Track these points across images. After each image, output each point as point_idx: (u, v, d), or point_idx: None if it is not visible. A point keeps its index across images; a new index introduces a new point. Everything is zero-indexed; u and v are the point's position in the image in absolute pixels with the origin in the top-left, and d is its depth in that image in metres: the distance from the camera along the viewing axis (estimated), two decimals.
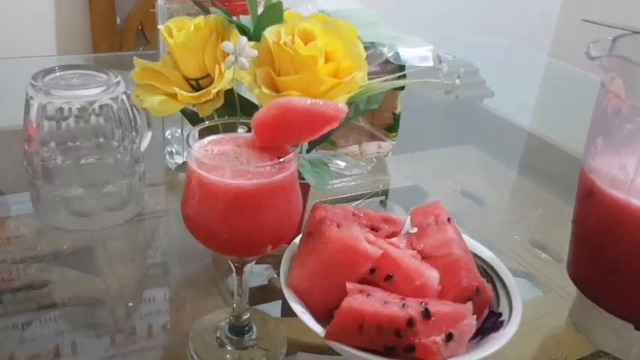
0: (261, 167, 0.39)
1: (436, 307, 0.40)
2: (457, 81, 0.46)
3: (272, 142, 0.41)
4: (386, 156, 0.78)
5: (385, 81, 0.49)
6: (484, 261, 0.50)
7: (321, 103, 0.38)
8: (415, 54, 0.65)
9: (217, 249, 0.43)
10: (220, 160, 0.40)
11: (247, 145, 0.41)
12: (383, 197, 0.74)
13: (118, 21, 1.45)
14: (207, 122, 0.42)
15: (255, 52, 0.41)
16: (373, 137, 0.75)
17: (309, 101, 0.38)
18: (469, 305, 0.41)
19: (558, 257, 0.64)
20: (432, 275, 0.42)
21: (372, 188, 0.75)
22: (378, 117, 0.74)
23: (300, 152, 0.53)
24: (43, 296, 0.53)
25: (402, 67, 0.68)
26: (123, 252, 0.60)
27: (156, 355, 0.49)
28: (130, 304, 0.53)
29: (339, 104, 0.39)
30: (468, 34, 1.47)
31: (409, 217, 0.51)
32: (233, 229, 0.39)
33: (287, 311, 0.53)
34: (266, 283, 0.57)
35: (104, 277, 0.56)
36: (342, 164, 0.74)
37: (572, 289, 0.56)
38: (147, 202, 0.66)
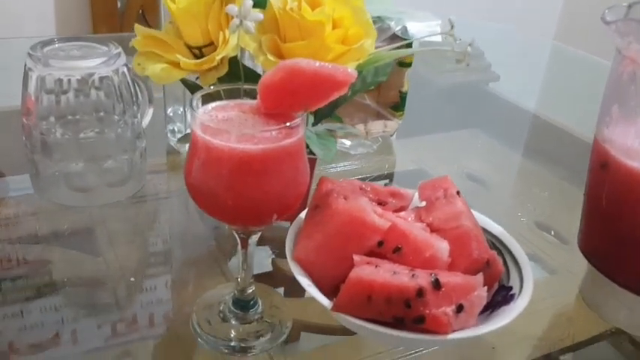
0: (267, 131, 0.38)
1: (446, 277, 0.39)
2: (469, 48, 0.45)
3: (278, 109, 0.39)
4: (392, 135, 0.77)
5: (394, 49, 0.47)
6: (494, 235, 0.48)
7: (330, 67, 0.37)
8: (423, 28, 0.63)
9: (222, 218, 0.42)
10: (226, 125, 0.39)
11: (253, 111, 0.40)
12: (387, 180, 0.73)
13: (119, 4, 1.43)
14: (211, 87, 0.41)
15: (261, 16, 0.40)
16: (379, 116, 0.74)
17: (317, 64, 0.37)
18: (480, 277, 0.40)
19: (564, 239, 0.63)
20: (441, 246, 0.41)
21: (378, 168, 0.74)
22: (384, 95, 0.73)
23: (307, 125, 0.52)
24: (43, 277, 0.52)
25: (410, 43, 0.66)
26: (124, 232, 0.59)
27: (158, 334, 0.48)
28: (132, 279, 0.52)
29: (349, 68, 0.37)
30: (473, 19, 1.45)
31: (417, 192, 0.50)
32: (238, 196, 0.38)
33: (292, 293, 0.52)
34: (271, 269, 0.56)
35: (105, 258, 0.55)
36: (348, 143, 0.73)
37: (580, 270, 0.55)
38: (149, 182, 0.65)
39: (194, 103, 0.39)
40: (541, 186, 0.75)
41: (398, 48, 0.63)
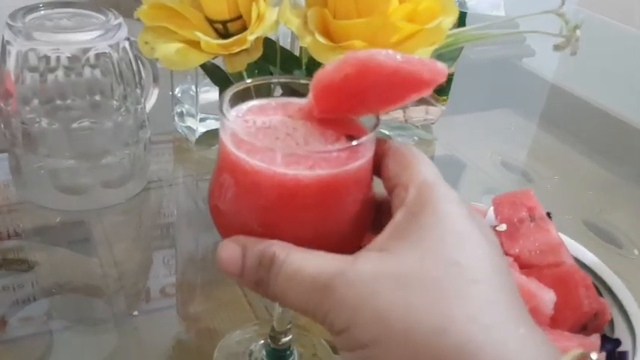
0: (330, 151, 0.27)
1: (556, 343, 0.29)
2: (578, 32, 0.34)
3: (337, 112, 0.29)
4: (433, 124, 0.67)
5: (474, 31, 0.37)
6: (588, 268, 0.39)
7: (417, 61, 0.27)
8: (484, 0, 0.53)
9: None
10: (267, 137, 0.28)
11: (301, 115, 0.30)
12: None
13: None
14: (248, 81, 0.30)
15: None
16: (420, 101, 0.64)
17: (399, 57, 0.26)
18: (595, 339, 0.31)
19: (619, 242, 0.55)
20: (545, 298, 0.32)
21: None
22: None
23: None
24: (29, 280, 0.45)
25: (463, 15, 0.56)
26: (122, 229, 0.51)
27: (160, 352, 0.41)
28: (135, 313, 0.43)
29: (438, 64, 0.27)
30: None
31: (491, 208, 0.40)
32: (282, 234, 0.28)
33: None
34: None
35: (100, 260, 0.47)
36: (386, 132, 0.63)
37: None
38: (151, 170, 0.56)
39: (224, 106, 0.29)
40: (586, 179, 0.67)
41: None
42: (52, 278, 0.45)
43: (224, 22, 0.38)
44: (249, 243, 0.27)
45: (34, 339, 0.40)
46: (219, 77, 0.41)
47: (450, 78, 0.63)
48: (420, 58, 0.27)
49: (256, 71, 0.42)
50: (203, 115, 0.59)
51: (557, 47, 0.36)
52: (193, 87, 0.57)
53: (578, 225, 0.57)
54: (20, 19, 0.46)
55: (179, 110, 0.61)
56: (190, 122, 0.60)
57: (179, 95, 0.61)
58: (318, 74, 0.28)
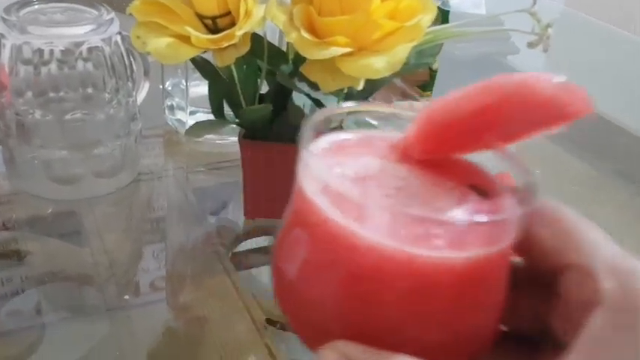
0: (485, 222, 0.19)
1: None
2: (549, 30, 0.36)
3: (443, 152, 0.22)
4: None
5: (453, 28, 0.39)
6: None
7: (572, 88, 0.21)
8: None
9: None
10: (373, 192, 0.20)
11: (398, 157, 0.22)
12: None
13: None
14: (339, 106, 0.23)
15: None
16: (404, 95, 0.65)
17: (554, 83, 0.20)
18: None
19: None
20: None
21: None
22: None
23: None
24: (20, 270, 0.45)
25: (446, 13, 0.57)
26: (113, 220, 0.52)
27: (151, 339, 0.41)
28: (126, 297, 0.44)
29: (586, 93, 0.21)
30: None
31: None
32: (399, 339, 0.20)
33: None
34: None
35: (91, 249, 0.47)
36: (375, 122, 0.64)
37: None
38: (142, 163, 0.56)
39: (305, 137, 0.21)
40: (570, 176, 0.68)
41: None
42: (44, 268, 0.46)
43: (213, 18, 0.39)
44: (359, 356, 0.18)
45: (24, 329, 0.40)
46: (208, 71, 0.43)
47: (433, 74, 0.65)
48: (572, 84, 0.21)
49: (244, 66, 0.43)
50: (193, 109, 0.61)
51: (530, 45, 0.38)
52: (183, 81, 0.58)
53: None
54: (15, 13, 0.46)
55: (169, 103, 0.62)
56: (180, 115, 0.61)
57: (170, 89, 0.62)
58: (432, 108, 0.22)
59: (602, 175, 0.69)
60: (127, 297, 0.43)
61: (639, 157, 0.73)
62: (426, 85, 0.65)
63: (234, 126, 0.45)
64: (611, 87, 0.96)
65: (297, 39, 0.36)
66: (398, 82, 0.65)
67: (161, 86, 0.62)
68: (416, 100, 0.66)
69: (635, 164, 0.71)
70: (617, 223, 0.59)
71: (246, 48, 0.37)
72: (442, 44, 0.43)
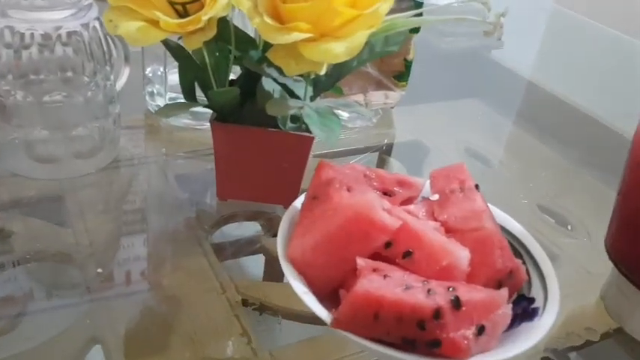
0: None
1: (467, 294, 0.33)
2: (502, 19, 0.38)
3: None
4: (392, 107, 0.70)
5: (413, 17, 0.40)
6: (513, 236, 0.43)
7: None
8: None
9: None
10: None
11: None
12: (376, 152, 0.67)
13: None
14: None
15: None
16: (380, 85, 0.67)
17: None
18: (504, 292, 0.35)
19: (571, 225, 0.58)
20: (461, 255, 0.35)
21: (375, 142, 0.68)
22: (387, 62, 0.66)
23: (305, 99, 0.45)
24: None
25: (418, 5, 0.59)
26: (94, 203, 0.53)
27: (128, 319, 0.42)
28: (100, 270, 0.46)
29: None
30: None
31: (428, 181, 0.44)
32: None
33: (276, 276, 0.47)
34: (257, 246, 0.50)
35: (74, 230, 0.49)
36: (345, 115, 0.66)
37: (592, 262, 0.51)
38: (123, 148, 0.58)
39: None
40: (544, 165, 0.70)
41: (405, 11, 0.56)
42: (26, 247, 0.47)
43: (183, 4, 0.41)
44: None
45: (4, 307, 0.41)
46: (180, 55, 0.45)
47: (408, 64, 0.66)
48: None
49: (217, 53, 0.45)
50: (173, 95, 0.62)
51: (486, 33, 0.40)
52: (161, 68, 0.60)
53: (533, 208, 0.60)
54: None
55: (150, 90, 0.64)
56: (160, 101, 0.63)
57: (150, 75, 0.63)
58: None
59: (572, 163, 0.71)
60: (99, 270, 0.45)
61: (607, 147, 0.76)
62: (401, 75, 0.67)
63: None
64: (587, 79, 0.98)
65: (260, 24, 0.38)
66: (374, 72, 0.67)
67: (142, 73, 0.63)
68: (392, 90, 0.68)
69: (602, 153, 0.73)
70: (586, 208, 0.61)
71: (212, 32, 0.39)
72: (406, 33, 0.45)
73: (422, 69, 0.82)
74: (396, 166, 0.66)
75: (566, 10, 1.30)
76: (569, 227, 0.58)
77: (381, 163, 0.66)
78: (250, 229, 0.53)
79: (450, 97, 0.84)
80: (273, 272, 0.49)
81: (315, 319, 0.35)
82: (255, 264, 0.50)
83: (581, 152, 0.73)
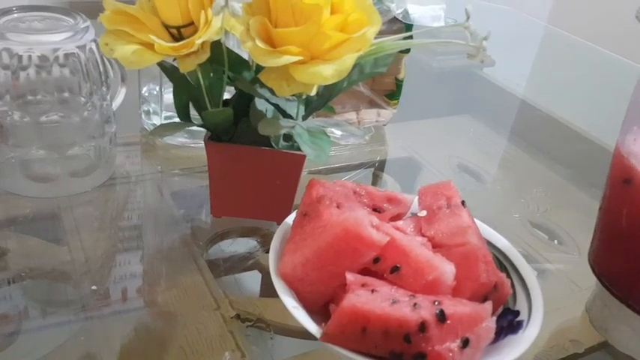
0: None
1: (452, 307, 0.34)
2: (484, 43, 0.39)
3: None
4: (385, 125, 0.71)
5: (400, 40, 0.42)
6: (499, 250, 0.44)
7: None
8: (426, 13, 0.58)
9: None
10: None
11: None
12: (370, 168, 0.68)
13: None
14: None
15: None
16: (372, 104, 0.69)
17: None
18: (489, 305, 0.36)
19: (561, 240, 0.59)
20: (447, 270, 0.36)
21: (368, 159, 0.69)
22: (379, 82, 0.67)
23: (296, 118, 0.47)
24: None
25: (409, 27, 0.61)
26: (90, 220, 0.53)
27: (123, 336, 0.43)
28: (94, 287, 0.46)
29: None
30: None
31: (417, 198, 0.45)
32: None
33: (270, 291, 0.48)
34: (252, 262, 0.51)
35: (69, 248, 0.49)
36: (338, 133, 0.67)
37: (580, 277, 0.51)
38: (119, 165, 0.59)
39: None
40: (536, 180, 0.71)
41: (396, 33, 0.58)
42: (22, 265, 0.47)
43: (178, 28, 0.42)
44: None
45: (1, 325, 0.42)
46: (175, 76, 0.46)
47: (399, 84, 0.68)
48: None
49: (211, 74, 0.46)
50: (168, 113, 0.64)
51: (470, 56, 0.41)
52: (157, 87, 0.62)
53: (525, 224, 0.61)
54: None
55: (146, 109, 0.65)
56: (156, 120, 0.64)
57: (146, 95, 0.64)
58: None
59: (563, 179, 0.72)
60: (95, 287, 0.46)
61: (597, 163, 0.77)
62: (392, 94, 0.68)
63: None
64: (579, 97, 1.00)
65: (253, 48, 0.39)
66: (366, 91, 0.68)
67: (138, 92, 0.64)
68: (383, 108, 0.69)
69: (593, 169, 0.75)
70: (576, 223, 0.62)
71: (205, 55, 0.40)
72: (393, 55, 0.46)
73: (414, 87, 0.83)
74: (389, 182, 0.68)
75: (559, 30, 1.32)
76: (560, 242, 0.59)
77: (375, 179, 0.67)
78: (245, 245, 0.53)
79: (442, 114, 0.86)
80: (268, 288, 0.49)
81: (307, 334, 0.36)
82: (250, 280, 0.51)
83: (572, 168, 0.75)
